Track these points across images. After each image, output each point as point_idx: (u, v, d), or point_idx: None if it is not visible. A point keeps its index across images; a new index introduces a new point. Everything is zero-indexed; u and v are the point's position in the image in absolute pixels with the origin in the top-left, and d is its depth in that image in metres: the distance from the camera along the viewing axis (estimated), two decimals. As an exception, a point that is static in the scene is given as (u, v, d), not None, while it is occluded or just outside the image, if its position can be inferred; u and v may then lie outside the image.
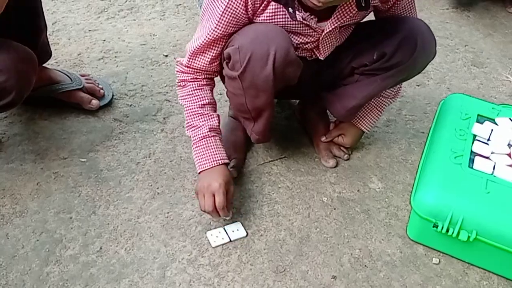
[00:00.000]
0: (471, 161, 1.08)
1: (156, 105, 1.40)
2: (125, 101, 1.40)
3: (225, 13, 0.94)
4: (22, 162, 1.16)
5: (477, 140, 1.14)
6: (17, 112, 1.30)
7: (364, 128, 1.27)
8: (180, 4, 1.87)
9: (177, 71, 1.08)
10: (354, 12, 0.96)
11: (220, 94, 1.41)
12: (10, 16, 0.98)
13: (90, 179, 1.14)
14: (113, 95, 1.39)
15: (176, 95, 1.35)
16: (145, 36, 1.68)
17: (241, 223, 1.09)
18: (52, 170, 1.15)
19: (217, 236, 1.05)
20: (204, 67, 1.03)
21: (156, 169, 1.20)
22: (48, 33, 1.29)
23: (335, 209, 1.15)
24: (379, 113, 1.25)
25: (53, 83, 1.27)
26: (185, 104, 1.07)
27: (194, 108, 1.06)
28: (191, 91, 1.06)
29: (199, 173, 1.05)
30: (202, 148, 1.05)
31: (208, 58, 1.01)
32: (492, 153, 1.10)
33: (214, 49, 1.00)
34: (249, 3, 0.93)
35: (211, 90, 1.09)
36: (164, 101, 1.42)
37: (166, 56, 1.59)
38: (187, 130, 1.08)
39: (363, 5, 0.92)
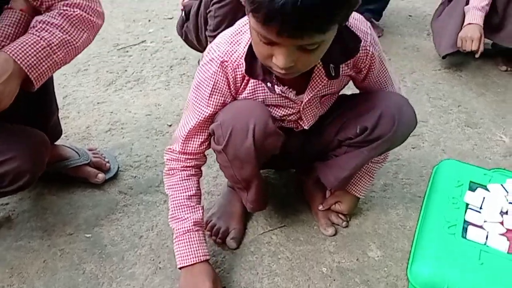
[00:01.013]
0: (465, 230, 1.10)
1: (160, 175, 1.45)
2: (130, 173, 1.46)
3: (213, 94, 1.02)
4: (30, 239, 1.21)
5: (469, 208, 1.16)
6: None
7: (358, 194, 1.31)
8: (184, 74, 1.97)
9: (167, 159, 1.13)
10: (325, 81, 1.02)
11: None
12: (21, 103, 1.06)
13: (94, 255, 1.18)
14: (118, 167, 1.45)
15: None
16: (150, 106, 1.77)
17: (241, 297, 1.11)
18: (58, 247, 1.19)
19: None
20: (196, 151, 1.09)
21: (159, 242, 1.24)
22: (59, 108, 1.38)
23: (334, 280, 1.17)
24: (370, 178, 1.30)
25: (62, 159, 1.34)
26: (171, 194, 1.11)
27: (181, 198, 1.10)
28: (179, 181, 1.10)
29: (180, 268, 1.07)
30: (184, 243, 1.07)
31: (200, 140, 1.08)
32: (484, 221, 1.12)
33: (205, 131, 1.08)
34: (231, 82, 1.02)
35: (198, 181, 1.14)
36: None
37: (170, 125, 1.66)
38: (171, 221, 1.10)
39: (333, 74, 0.98)
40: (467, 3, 1.99)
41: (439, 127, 1.77)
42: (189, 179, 1.11)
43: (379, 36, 2.37)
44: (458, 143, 1.69)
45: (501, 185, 1.23)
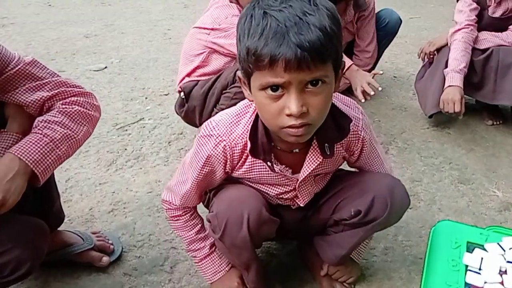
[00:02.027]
0: (466, 293, 1.12)
1: (163, 254, 1.47)
2: (133, 253, 1.47)
3: (205, 167, 1.08)
4: (37, 330, 1.21)
5: (469, 270, 1.19)
6: (32, 276, 1.36)
7: (356, 258, 1.34)
8: (182, 148, 2.04)
9: (167, 209, 1.23)
10: (321, 160, 1.07)
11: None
12: (28, 197, 1.10)
13: None
14: (122, 249, 1.47)
15: (181, 241, 1.44)
16: (151, 183, 1.81)
17: None
18: (65, 337, 1.19)
19: None
20: (194, 204, 1.21)
21: (165, 324, 1.24)
22: (61, 192, 1.42)
23: None
24: (366, 242, 1.33)
25: (67, 246, 1.36)
26: (182, 235, 1.24)
27: (192, 236, 1.23)
28: (185, 222, 1.22)
29: (212, 283, 1.26)
30: (208, 263, 1.25)
31: (197, 196, 1.18)
32: (485, 282, 1.14)
33: (199, 191, 1.17)
34: (228, 162, 1.08)
35: (198, 214, 1.26)
36: (171, 249, 1.49)
37: (171, 202, 1.70)
38: (189, 252, 1.26)
39: (328, 153, 1.04)
40: (446, 66, 2.11)
41: (433, 185, 1.81)
42: (192, 218, 1.23)
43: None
44: (453, 200, 1.73)
45: (498, 243, 1.27)
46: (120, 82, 2.73)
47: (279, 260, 1.44)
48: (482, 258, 1.20)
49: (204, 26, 1.79)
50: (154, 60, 3.06)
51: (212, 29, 1.76)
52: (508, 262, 1.21)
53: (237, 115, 1.06)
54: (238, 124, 1.05)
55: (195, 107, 1.87)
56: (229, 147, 1.05)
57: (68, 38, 3.42)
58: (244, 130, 1.03)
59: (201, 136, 1.08)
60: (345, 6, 2.20)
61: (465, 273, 1.17)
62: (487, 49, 2.11)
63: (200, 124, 1.93)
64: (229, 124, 1.05)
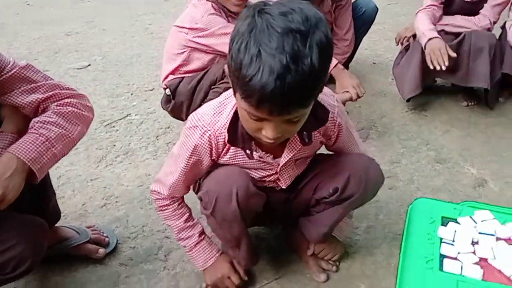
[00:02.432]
0: (441, 263, 1.21)
1: (157, 243, 1.54)
2: (128, 244, 1.54)
3: (192, 156, 1.15)
4: (39, 321, 1.27)
5: (443, 242, 1.28)
6: (31, 271, 1.42)
7: (338, 236, 1.44)
8: (170, 142, 2.10)
9: (155, 199, 1.29)
10: (300, 147, 1.15)
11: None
12: (26, 195, 1.16)
13: (103, 329, 1.24)
14: (117, 241, 1.53)
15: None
16: (141, 177, 1.87)
17: None
18: (67, 325, 1.25)
19: None
20: (182, 194, 1.27)
21: (163, 308, 1.31)
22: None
23: (330, 324, 1.25)
24: (347, 220, 1.43)
25: (64, 240, 1.42)
26: (170, 224, 1.30)
27: (180, 224, 1.29)
28: (173, 211, 1.28)
29: (203, 270, 1.32)
30: (199, 251, 1.31)
31: (184, 186, 1.25)
32: (458, 253, 1.23)
33: (187, 181, 1.23)
34: (213, 149, 1.15)
35: (185, 203, 1.32)
36: (164, 238, 1.56)
37: (162, 194, 1.76)
38: (179, 241, 1.31)
39: (306, 140, 1.12)
40: (422, 52, 2.18)
41: (411, 166, 1.90)
42: (180, 207, 1.29)
43: None
44: (430, 179, 1.82)
45: (470, 217, 1.36)
46: (104, 79, 2.76)
47: (267, 244, 1.52)
48: (455, 231, 1.29)
49: (183, 25, 1.83)
50: (137, 56, 3.09)
51: (190, 28, 1.80)
52: (480, 233, 1.30)
53: (219, 105, 1.13)
54: (221, 114, 1.11)
55: (183, 102, 1.92)
56: (214, 137, 1.12)
57: (50, 37, 3.42)
58: (227, 121, 1.10)
59: (187, 127, 1.15)
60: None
61: (440, 245, 1.26)
62: (460, 33, 2.20)
63: (186, 117, 1.98)
64: (213, 114, 1.12)
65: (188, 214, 1.30)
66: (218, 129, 1.11)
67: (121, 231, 1.59)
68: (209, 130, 1.11)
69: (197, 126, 1.12)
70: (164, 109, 2.06)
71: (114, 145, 2.08)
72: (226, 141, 1.11)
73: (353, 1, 2.48)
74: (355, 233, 1.57)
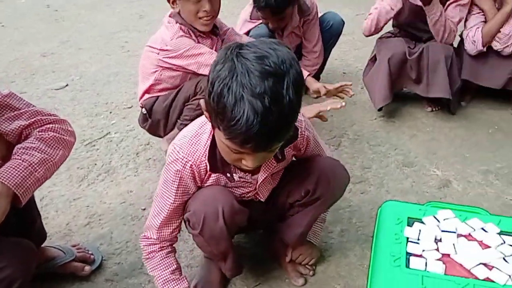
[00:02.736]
0: (408, 261, 1.30)
1: (141, 258, 1.58)
2: (113, 260, 1.59)
3: (179, 188, 1.22)
4: None
5: (410, 241, 1.37)
6: (19, 291, 1.46)
7: (314, 241, 1.53)
8: (150, 158, 2.16)
9: (144, 245, 1.30)
10: (275, 164, 1.25)
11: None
12: (12, 219, 1.20)
13: None
14: (102, 257, 1.58)
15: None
16: (123, 194, 1.92)
17: None
18: None
19: None
20: (170, 237, 1.29)
21: (149, 320, 1.36)
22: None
23: (308, 325, 1.33)
24: (321, 224, 1.53)
25: (50, 260, 1.46)
26: (156, 274, 1.29)
27: (167, 275, 1.28)
28: (160, 260, 1.29)
29: None
30: None
31: (172, 228, 1.28)
32: (423, 250, 1.33)
33: (175, 220, 1.28)
34: (197, 177, 1.22)
35: (175, 256, 1.33)
36: (148, 252, 1.62)
37: (144, 209, 1.82)
38: None
39: (280, 158, 1.22)
40: (388, 63, 2.30)
41: (381, 170, 2.01)
42: (168, 256, 1.30)
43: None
44: (399, 182, 1.93)
45: (434, 216, 1.46)
46: (82, 99, 2.80)
47: (248, 252, 1.60)
48: (420, 230, 1.39)
49: (154, 46, 1.90)
50: (114, 74, 3.14)
51: (160, 49, 1.86)
52: (442, 231, 1.40)
53: (195, 136, 1.19)
54: (199, 144, 1.18)
55: (159, 120, 1.99)
56: (195, 166, 1.20)
57: (26, 58, 3.44)
58: (205, 149, 1.17)
59: (168, 163, 1.21)
60: (291, 12, 2.37)
61: (406, 244, 1.36)
62: (419, 48, 2.33)
63: (165, 134, 2.05)
64: (190, 145, 1.19)
65: (175, 266, 1.30)
66: (198, 158, 1.18)
67: (105, 248, 1.64)
68: (189, 161, 1.18)
69: (177, 159, 1.19)
70: (142, 128, 2.12)
71: (95, 164, 2.12)
72: (208, 169, 1.19)
73: (320, 16, 2.61)
74: (329, 237, 1.66)
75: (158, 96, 1.96)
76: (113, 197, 1.91)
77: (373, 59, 2.54)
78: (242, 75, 0.89)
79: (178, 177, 1.20)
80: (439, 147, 2.17)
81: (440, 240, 1.37)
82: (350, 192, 1.88)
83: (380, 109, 2.42)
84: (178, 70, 1.89)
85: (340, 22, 2.61)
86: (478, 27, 2.29)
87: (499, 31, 2.26)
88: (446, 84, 2.24)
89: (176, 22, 1.86)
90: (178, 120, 1.93)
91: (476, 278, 1.24)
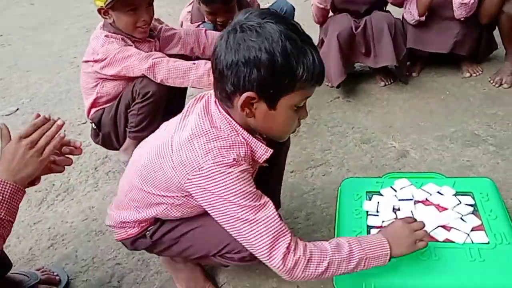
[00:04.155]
0: (368, 234, 1.32)
1: (109, 272, 1.56)
2: (80, 278, 1.55)
3: (246, 171, 1.05)
4: None
5: (369, 214, 1.39)
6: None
7: None
8: (109, 171, 2.12)
9: (290, 260, 1.03)
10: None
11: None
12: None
13: None
14: (68, 277, 1.54)
15: (125, 255, 1.55)
16: (85, 211, 1.88)
17: None
18: None
19: None
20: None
21: (122, 332, 1.34)
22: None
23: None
24: None
25: (13, 286, 1.42)
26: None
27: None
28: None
29: None
30: None
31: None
32: (382, 221, 1.35)
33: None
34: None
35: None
36: (115, 265, 1.59)
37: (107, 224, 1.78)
38: None
39: None
40: (338, 39, 2.32)
41: (340, 151, 2.03)
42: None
43: None
44: (359, 159, 1.96)
45: (391, 187, 1.48)
46: (35, 121, 2.71)
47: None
48: (378, 202, 1.41)
49: (87, 59, 1.87)
50: (65, 91, 3.06)
51: (93, 60, 1.83)
52: (400, 200, 1.42)
53: (228, 147, 1.04)
54: (234, 148, 1.04)
55: (109, 133, 1.95)
56: (247, 157, 1.06)
57: (-27, 87, 3.32)
58: (241, 137, 1.07)
59: (223, 174, 1.00)
60: (234, 6, 2.36)
61: (367, 218, 1.38)
62: (363, 21, 2.37)
63: (120, 146, 2.02)
64: (224, 147, 1.03)
65: None
66: (241, 150, 1.05)
67: (71, 267, 1.60)
68: (239, 156, 1.04)
69: (228, 162, 1.01)
70: (95, 143, 2.08)
71: (54, 185, 2.07)
72: (261, 153, 1.10)
73: (272, 4, 2.63)
74: (296, 222, 1.67)
75: (104, 109, 1.93)
76: (75, 215, 1.86)
77: (320, 44, 2.55)
78: (276, 33, 0.95)
79: (247, 173, 1.03)
80: (394, 120, 2.21)
81: (399, 209, 1.40)
82: (312, 176, 1.89)
83: (338, 86, 2.43)
84: (116, 80, 1.86)
85: (291, 8, 2.62)
86: (416, -3, 2.33)
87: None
88: (391, 52, 2.28)
89: (103, 30, 1.85)
90: (127, 129, 1.91)
91: (436, 240, 1.27)
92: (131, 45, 1.84)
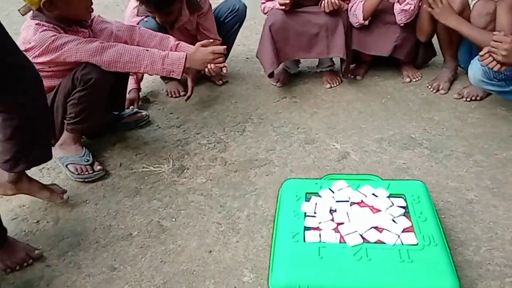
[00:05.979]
0: (305, 235, 1.33)
1: (38, 274, 1.48)
2: (7, 281, 1.46)
3: None
4: None
5: (307, 216, 1.41)
6: None
7: None
8: (43, 168, 2.01)
9: None
10: None
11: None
12: None
13: None
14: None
15: (55, 257, 1.48)
16: (15, 209, 1.78)
17: None
18: None
19: None
20: None
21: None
22: None
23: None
24: None
25: None
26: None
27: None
28: None
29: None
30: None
31: None
32: (320, 223, 1.37)
33: None
34: None
35: None
36: (45, 267, 1.51)
37: (37, 222, 1.70)
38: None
39: None
40: (270, 31, 2.34)
41: (285, 151, 2.04)
42: None
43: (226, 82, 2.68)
44: (302, 160, 1.98)
45: (329, 188, 1.51)
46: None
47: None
48: (316, 204, 1.43)
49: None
50: None
51: (25, 50, 1.75)
52: (337, 201, 1.45)
53: None
54: None
55: None
56: None
57: None
58: None
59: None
60: (180, 8, 2.33)
61: (304, 219, 1.39)
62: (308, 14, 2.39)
63: (56, 141, 1.93)
64: None
65: None
66: None
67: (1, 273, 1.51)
68: None
69: None
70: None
71: (-18, 181, 1.94)
72: None
73: (223, 2, 2.62)
74: (237, 222, 1.65)
75: (54, 96, 1.84)
76: (4, 214, 1.75)
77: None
78: None
79: None
80: (337, 122, 2.25)
81: (335, 211, 1.43)
82: (255, 175, 1.89)
83: (271, 76, 2.45)
84: (51, 70, 1.78)
85: (243, 6, 2.62)
86: (361, 1, 2.38)
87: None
88: (343, 45, 2.33)
89: (40, 21, 1.78)
90: (65, 121, 1.83)
91: (368, 241, 1.30)
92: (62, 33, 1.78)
